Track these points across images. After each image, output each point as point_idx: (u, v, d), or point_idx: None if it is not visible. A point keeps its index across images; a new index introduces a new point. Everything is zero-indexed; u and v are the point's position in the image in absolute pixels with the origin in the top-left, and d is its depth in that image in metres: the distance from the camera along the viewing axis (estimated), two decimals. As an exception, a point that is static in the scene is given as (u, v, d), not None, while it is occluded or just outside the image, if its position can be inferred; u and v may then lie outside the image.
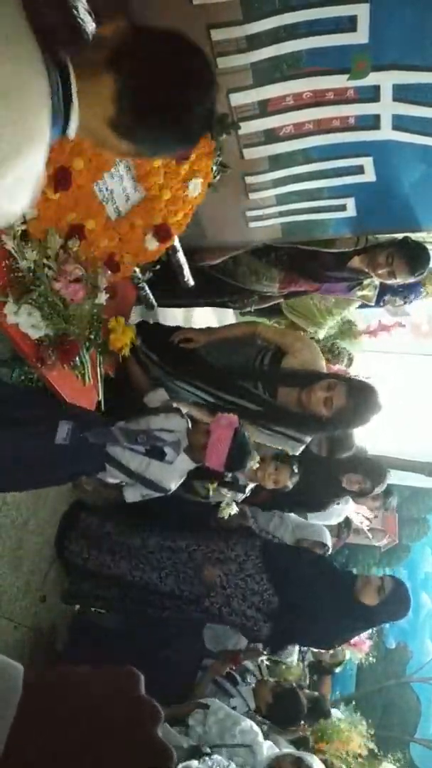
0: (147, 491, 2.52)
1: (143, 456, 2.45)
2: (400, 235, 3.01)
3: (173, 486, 2.54)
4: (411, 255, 3.01)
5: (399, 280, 3.12)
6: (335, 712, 5.05)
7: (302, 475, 3.31)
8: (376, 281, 3.28)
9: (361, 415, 2.74)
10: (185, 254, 2.66)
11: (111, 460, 2.46)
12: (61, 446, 2.37)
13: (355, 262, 3.17)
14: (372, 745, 4.67)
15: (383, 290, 3.52)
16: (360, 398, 2.70)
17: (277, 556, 3.30)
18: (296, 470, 3.25)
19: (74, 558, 3.33)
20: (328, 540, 3.86)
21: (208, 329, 3.01)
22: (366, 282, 3.30)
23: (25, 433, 2.40)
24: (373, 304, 3.50)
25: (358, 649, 4.76)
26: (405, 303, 3.75)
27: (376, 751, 4.73)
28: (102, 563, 3.28)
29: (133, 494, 2.55)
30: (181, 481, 2.58)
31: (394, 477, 5.55)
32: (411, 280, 3.17)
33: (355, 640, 4.41)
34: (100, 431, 2.46)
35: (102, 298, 2.04)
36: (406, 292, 3.66)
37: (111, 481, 2.56)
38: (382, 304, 3.68)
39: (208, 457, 2.45)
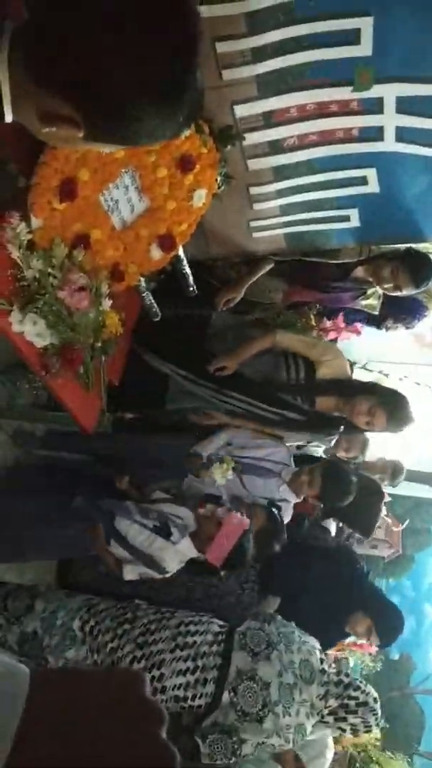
0: (145, 570, 2.59)
1: (150, 532, 2.56)
2: (403, 246, 3.02)
3: (173, 568, 2.61)
4: (415, 268, 3.02)
5: (404, 293, 3.13)
6: None
7: None
8: (380, 290, 3.29)
9: (398, 432, 3.06)
10: (195, 268, 2.68)
11: (116, 535, 2.57)
12: (74, 509, 2.56)
13: (359, 272, 3.17)
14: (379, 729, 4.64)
15: (385, 316, 3.51)
16: (399, 423, 2.99)
17: (274, 576, 3.31)
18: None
19: (82, 577, 3.29)
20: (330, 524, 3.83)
21: (231, 351, 3.04)
22: (370, 291, 3.31)
23: (40, 503, 2.60)
24: (377, 312, 3.49)
25: (363, 651, 4.71)
26: (408, 328, 3.72)
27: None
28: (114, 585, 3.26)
29: (132, 572, 2.62)
30: (180, 566, 2.66)
31: (399, 487, 5.54)
32: (416, 291, 3.17)
33: (362, 642, 4.40)
34: (113, 501, 2.63)
35: (106, 304, 2.05)
36: (409, 318, 3.63)
37: (113, 551, 2.64)
38: (384, 330, 3.66)
39: (210, 550, 2.55)
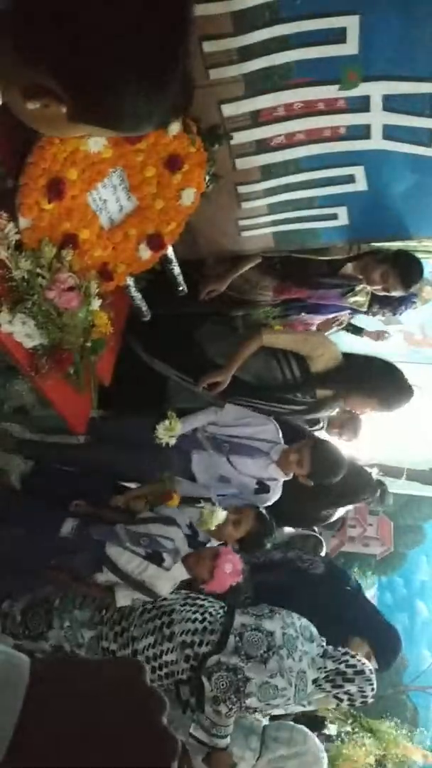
0: (138, 595, 2.61)
1: (142, 559, 2.57)
2: (392, 245, 3.04)
3: (165, 592, 2.63)
4: (405, 272, 3.07)
5: (394, 294, 3.17)
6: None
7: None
8: (369, 288, 3.31)
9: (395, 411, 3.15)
10: (185, 267, 2.68)
11: (107, 562, 2.58)
12: (64, 539, 2.57)
13: (348, 269, 3.19)
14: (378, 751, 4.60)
15: (372, 300, 3.52)
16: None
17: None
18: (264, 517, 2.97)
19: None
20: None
21: (221, 366, 3.04)
22: (358, 288, 3.32)
23: (30, 527, 2.61)
24: (365, 309, 3.50)
25: None
26: (395, 314, 3.74)
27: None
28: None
29: (124, 597, 2.63)
30: (174, 588, 2.69)
31: (391, 485, 5.55)
32: (405, 293, 3.22)
33: None
34: (103, 528, 2.63)
35: (95, 304, 2.05)
36: (396, 305, 3.64)
37: (101, 580, 2.65)
38: (371, 314, 3.67)
39: (207, 588, 2.69)
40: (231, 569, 2.66)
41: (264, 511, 2.92)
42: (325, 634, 3.06)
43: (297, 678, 2.63)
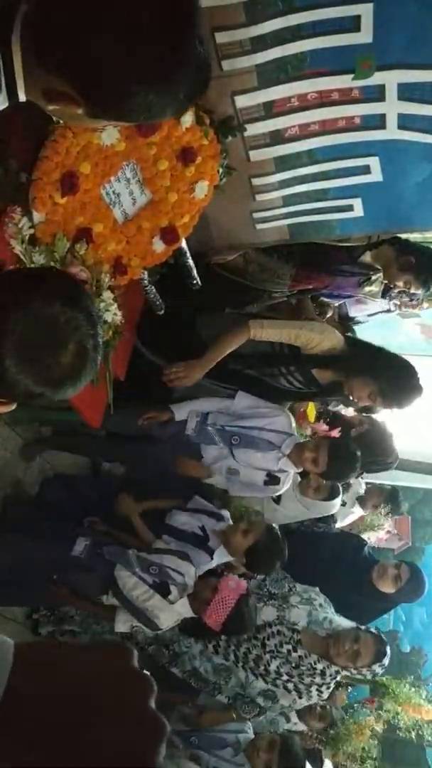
0: (138, 624, 2.61)
1: (148, 587, 2.57)
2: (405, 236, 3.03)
3: (166, 626, 2.63)
4: (427, 277, 3.08)
5: (413, 291, 3.18)
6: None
7: None
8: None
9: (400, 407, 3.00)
10: (196, 256, 2.67)
11: (114, 584, 2.60)
12: (75, 558, 2.59)
13: (366, 257, 3.18)
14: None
15: (389, 287, 3.50)
16: (402, 404, 2.96)
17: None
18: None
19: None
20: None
21: (200, 359, 2.90)
22: (374, 277, 3.31)
23: (42, 544, 2.64)
24: (377, 300, 3.48)
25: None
26: (411, 300, 3.71)
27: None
28: None
29: (123, 623, 2.64)
30: (174, 625, 2.69)
31: (408, 479, 5.51)
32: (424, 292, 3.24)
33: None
34: (116, 550, 2.64)
35: (108, 297, 2.05)
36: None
37: (107, 602, 2.67)
38: (388, 299, 3.64)
39: (208, 615, 2.60)
40: (234, 584, 2.66)
41: (277, 529, 2.87)
42: (351, 576, 3.53)
43: (325, 602, 3.12)
